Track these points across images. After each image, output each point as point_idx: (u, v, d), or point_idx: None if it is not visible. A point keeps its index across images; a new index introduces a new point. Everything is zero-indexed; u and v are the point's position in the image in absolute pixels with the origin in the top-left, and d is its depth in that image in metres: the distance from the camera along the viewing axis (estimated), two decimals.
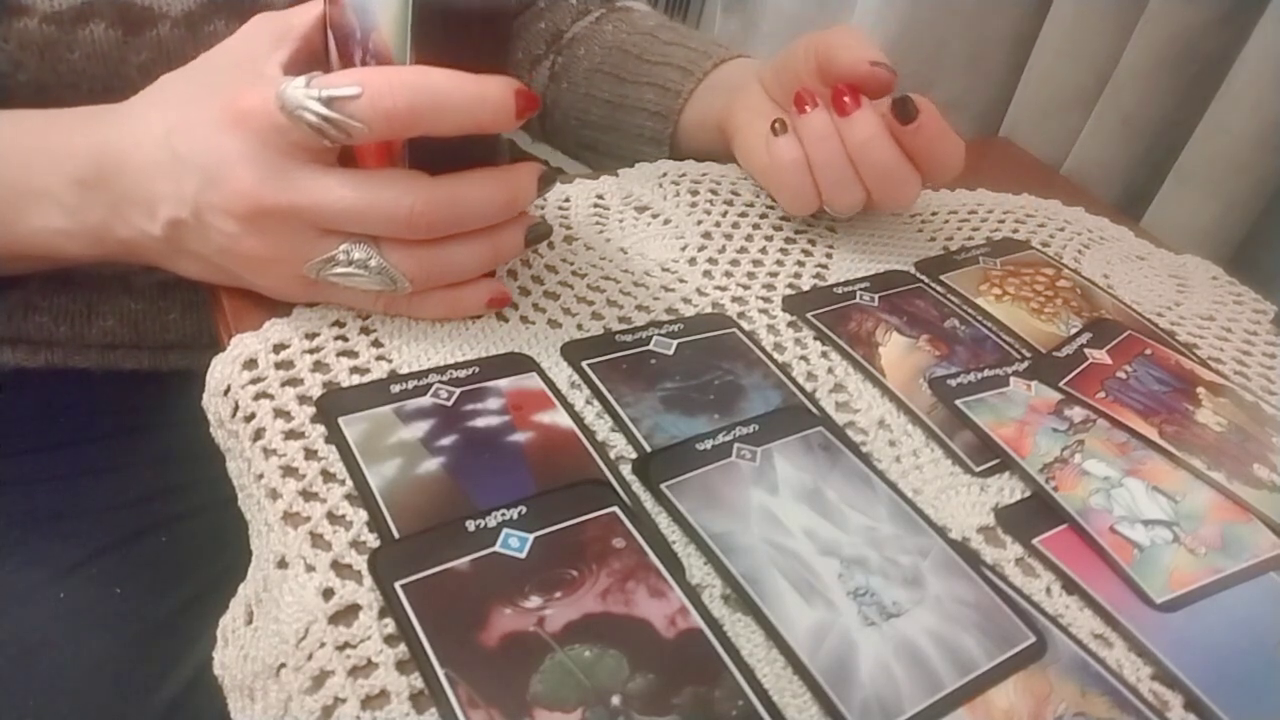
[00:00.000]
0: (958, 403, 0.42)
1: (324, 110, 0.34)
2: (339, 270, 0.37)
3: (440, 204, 0.37)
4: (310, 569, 0.31)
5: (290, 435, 0.35)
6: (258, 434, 0.35)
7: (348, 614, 0.30)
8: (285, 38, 0.39)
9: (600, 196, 0.53)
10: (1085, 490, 0.39)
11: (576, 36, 0.64)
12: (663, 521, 0.35)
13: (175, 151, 0.37)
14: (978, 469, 0.40)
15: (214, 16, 0.47)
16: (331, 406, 0.36)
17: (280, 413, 0.36)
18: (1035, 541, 0.37)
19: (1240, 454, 0.42)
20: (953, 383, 0.43)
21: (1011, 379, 0.44)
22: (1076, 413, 0.43)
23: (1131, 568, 0.36)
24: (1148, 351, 0.48)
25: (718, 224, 0.53)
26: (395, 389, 0.38)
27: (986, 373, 0.44)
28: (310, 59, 0.39)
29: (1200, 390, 0.46)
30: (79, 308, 0.52)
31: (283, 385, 0.37)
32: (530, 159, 0.43)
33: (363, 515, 0.33)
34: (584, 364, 0.41)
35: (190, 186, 0.36)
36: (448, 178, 0.37)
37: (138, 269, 0.51)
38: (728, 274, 0.49)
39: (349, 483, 0.34)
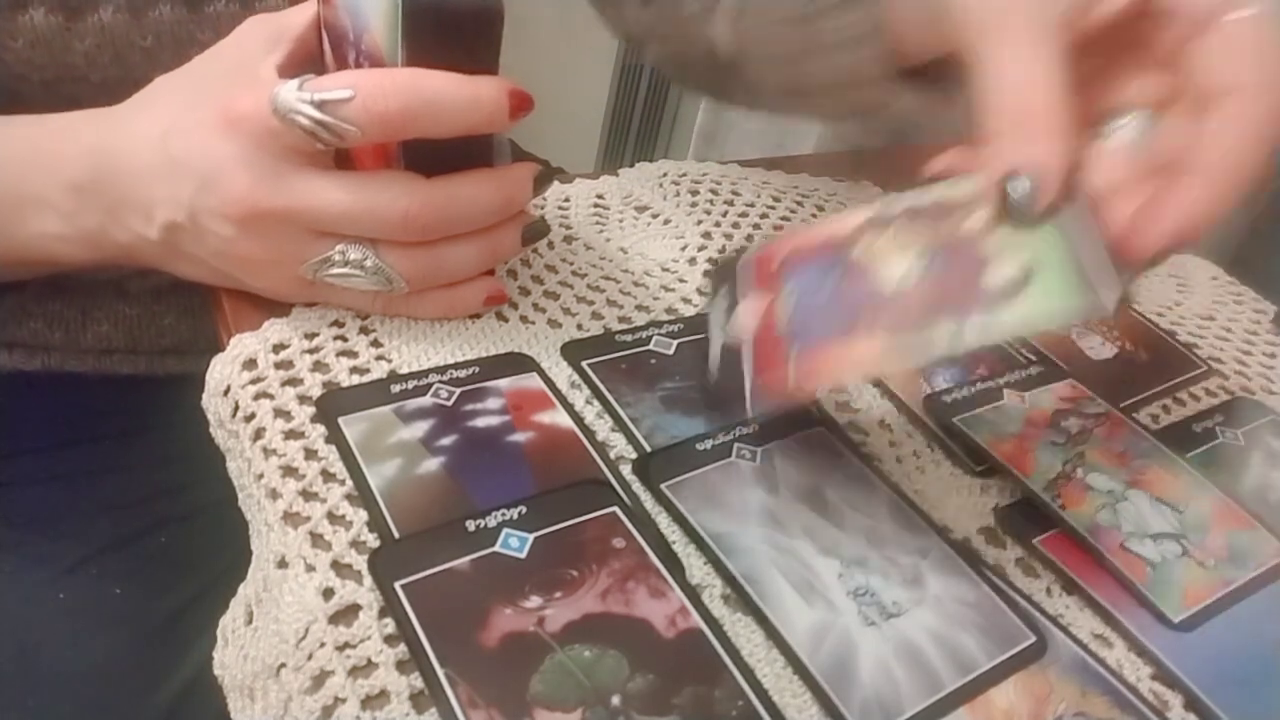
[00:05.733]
0: (955, 420, 0.42)
1: (316, 113, 0.34)
2: (335, 271, 0.37)
3: (435, 206, 0.36)
4: (310, 569, 0.31)
5: (290, 435, 0.35)
6: (258, 434, 0.35)
7: (348, 614, 0.30)
8: (280, 39, 0.38)
9: (600, 196, 0.53)
10: (1092, 506, 0.38)
11: None
12: (663, 521, 0.35)
13: (171, 156, 0.37)
14: (978, 469, 0.40)
15: (159, 2, 0.46)
16: (331, 406, 0.36)
17: (280, 413, 0.36)
18: (1036, 541, 0.37)
19: None
20: (947, 399, 0.43)
21: (1005, 391, 0.44)
22: (1073, 424, 0.43)
23: (1146, 587, 0.35)
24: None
25: (718, 224, 0.53)
26: (395, 389, 0.38)
27: (979, 386, 0.44)
28: (306, 61, 0.39)
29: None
30: (73, 313, 0.52)
31: (282, 385, 0.37)
32: (529, 159, 0.43)
33: (363, 515, 0.33)
34: (584, 364, 0.41)
35: (186, 191, 0.36)
36: (443, 179, 0.37)
37: (132, 274, 0.51)
38: None
39: (349, 483, 0.34)
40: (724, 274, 0.39)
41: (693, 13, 0.51)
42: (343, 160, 0.38)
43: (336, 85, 0.34)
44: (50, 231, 0.40)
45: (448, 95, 0.34)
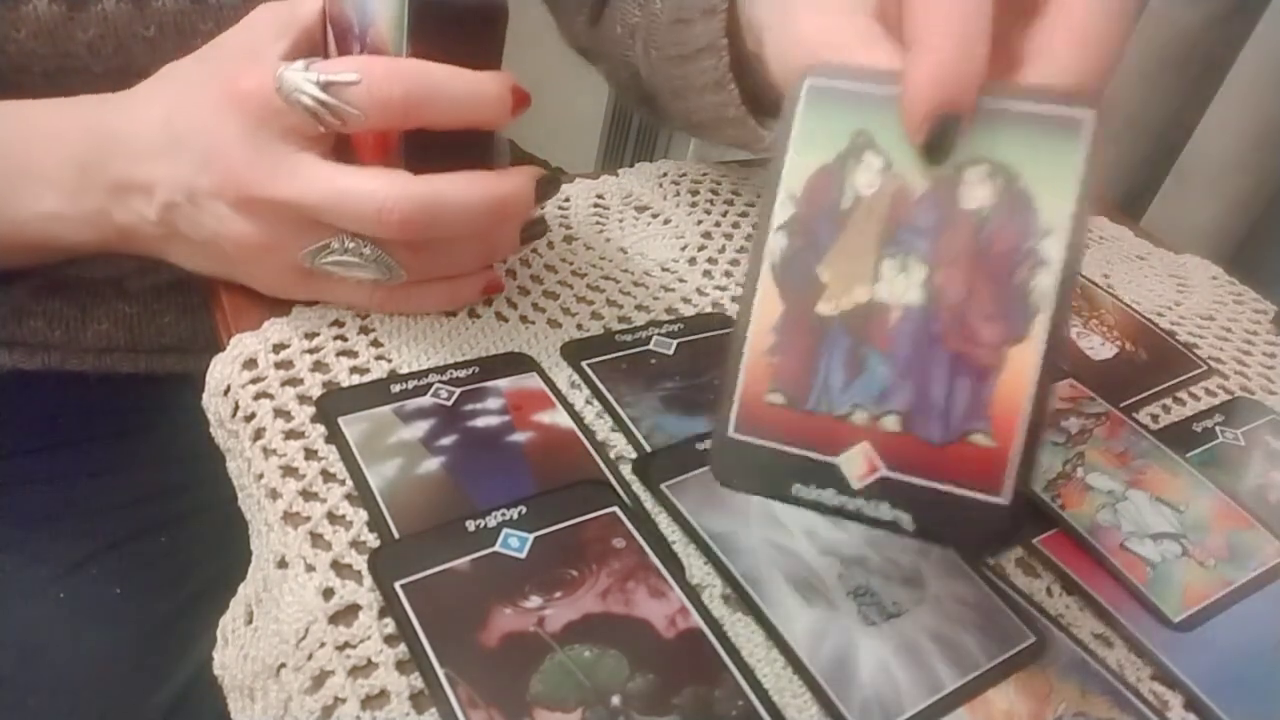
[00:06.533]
0: None
1: (320, 94, 0.34)
2: (334, 258, 0.37)
3: (414, 201, 0.36)
4: (310, 569, 0.31)
5: (290, 435, 0.35)
6: (258, 434, 0.35)
7: (348, 614, 0.30)
8: (289, 28, 0.39)
9: (600, 196, 0.53)
10: (1092, 506, 0.38)
11: None
12: (663, 521, 0.35)
13: (174, 133, 0.37)
14: None
15: None
16: (331, 406, 0.36)
17: (280, 412, 0.36)
18: (1036, 542, 0.37)
19: None
20: None
21: None
22: (1073, 424, 0.43)
23: (1146, 587, 0.35)
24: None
25: (718, 224, 0.53)
26: (395, 389, 0.38)
27: None
28: (311, 51, 0.39)
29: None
30: (73, 312, 0.52)
31: (283, 385, 0.37)
32: (531, 160, 0.43)
33: (363, 515, 0.33)
34: (584, 364, 0.41)
35: (186, 168, 0.37)
36: (428, 176, 0.36)
37: (131, 272, 0.51)
38: (728, 274, 0.49)
39: (349, 483, 0.34)
40: (751, 467, 0.30)
41: (620, 36, 0.54)
42: (344, 155, 0.38)
43: (343, 68, 0.34)
44: (51, 210, 0.40)
45: (452, 86, 0.35)
